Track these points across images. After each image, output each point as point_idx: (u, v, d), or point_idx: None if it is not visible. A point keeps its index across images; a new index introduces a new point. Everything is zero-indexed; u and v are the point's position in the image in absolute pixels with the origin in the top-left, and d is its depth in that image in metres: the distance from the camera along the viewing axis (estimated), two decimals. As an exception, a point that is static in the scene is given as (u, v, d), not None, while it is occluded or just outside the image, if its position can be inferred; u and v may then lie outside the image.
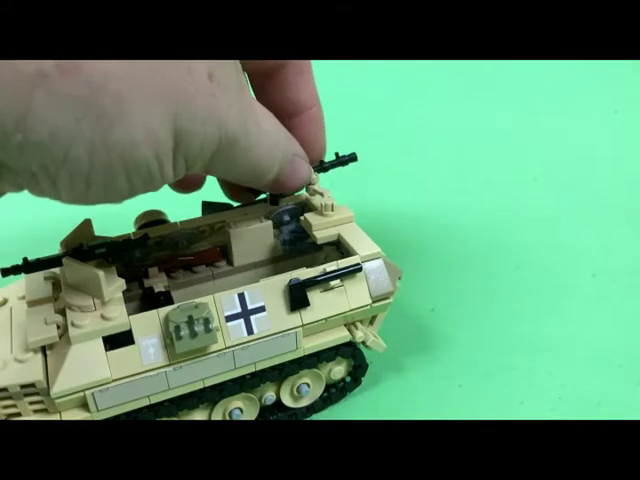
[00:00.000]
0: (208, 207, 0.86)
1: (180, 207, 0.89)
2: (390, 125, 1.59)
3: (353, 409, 0.83)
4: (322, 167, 0.87)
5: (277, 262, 0.89)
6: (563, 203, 1.29)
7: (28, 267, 0.69)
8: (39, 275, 0.73)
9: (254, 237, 0.85)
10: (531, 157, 1.45)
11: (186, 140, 0.54)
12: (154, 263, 0.82)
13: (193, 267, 0.85)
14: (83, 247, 0.70)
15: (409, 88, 1.76)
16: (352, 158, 0.88)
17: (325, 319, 0.73)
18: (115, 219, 0.80)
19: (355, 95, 1.70)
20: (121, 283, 0.68)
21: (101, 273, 0.65)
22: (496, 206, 1.29)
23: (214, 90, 0.54)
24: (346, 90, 1.70)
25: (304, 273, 0.72)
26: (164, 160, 0.53)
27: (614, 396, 0.85)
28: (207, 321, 0.65)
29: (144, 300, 0.81)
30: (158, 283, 0.81)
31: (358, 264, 0.73)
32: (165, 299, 0.77)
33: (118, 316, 0.65)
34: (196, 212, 0.86)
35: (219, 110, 0.55)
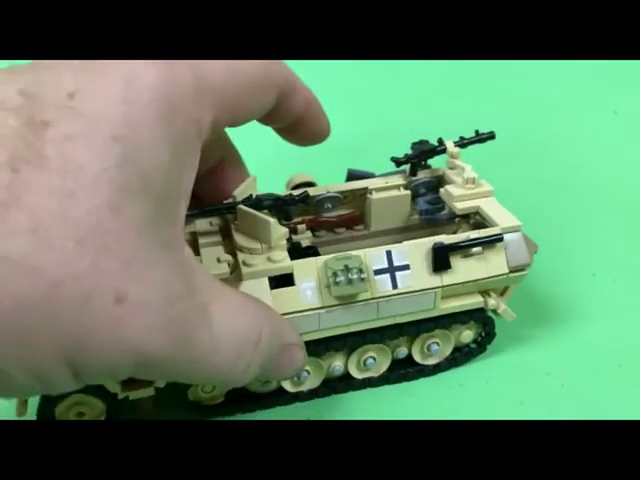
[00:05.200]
0: (352, 175, 0.93)
1: (327, 172, 0.96)
2: (389, 124, 1.52)
3: (353, 409, 0.84)
4: (462, 143, 0.92)
5: (410, 231, 0.94)
6: (563, 203, 1.25)
7: (204, 212, 0.79)
8: (206, 221, 0.82)
9: (392, 205, 0.91)
10: (531, 157, 1.40)
11: (84, 369, 0.47)
12: (302, 221, 0.90)
13: (335, 228, 0.92)
14: (252, 198, 0.79)
15: (409, 88, 1.69)
16: (491, 136, 0.93)
17: (463, 283, 0.78)
18: (271, 178, 0.89)
19: (351, 94, 1.66)
20: (285, 231, 0.76)
21: (272, 220, 0.73)
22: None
23: (123, 313, 0.46)
24: (341, 90, 1.65)
25: (448, 238, 0.77)
26: (56, 382, 0.48)
27: (614, 396, 0.83)
28: (361, 271, 0.72)
29: (291, 253, 0.89)
30: (304, 239, 0.89)
31: (499, 234, 0.78)
32: (313, 253, 0.85)
33: (282, 260, 0.73)
34: (340, 179, 0.93)
35: (130, 334, 0.47)
